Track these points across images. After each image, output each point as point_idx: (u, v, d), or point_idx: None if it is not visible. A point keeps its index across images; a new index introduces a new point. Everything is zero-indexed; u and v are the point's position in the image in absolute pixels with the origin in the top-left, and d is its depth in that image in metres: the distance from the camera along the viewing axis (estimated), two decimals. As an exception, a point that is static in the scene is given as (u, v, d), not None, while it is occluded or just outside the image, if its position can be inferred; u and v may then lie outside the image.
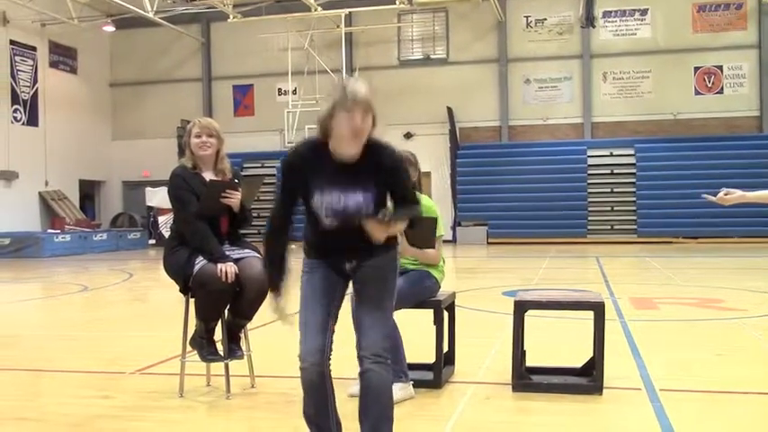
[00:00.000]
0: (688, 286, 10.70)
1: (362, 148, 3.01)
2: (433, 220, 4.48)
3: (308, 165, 3.06)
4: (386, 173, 3.07)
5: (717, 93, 23.31)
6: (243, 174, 5.08)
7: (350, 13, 23.87)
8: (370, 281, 3.17)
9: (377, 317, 3.14)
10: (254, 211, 4.73)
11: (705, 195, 3.80)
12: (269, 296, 3.29)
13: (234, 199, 4.44)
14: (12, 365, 5.75)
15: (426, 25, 25.34)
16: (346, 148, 2.97)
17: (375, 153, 3.05)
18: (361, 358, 3.12)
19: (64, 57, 25.17)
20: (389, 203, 3.14)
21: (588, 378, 4.50)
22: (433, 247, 4.55)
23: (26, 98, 23.34)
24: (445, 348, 4.74)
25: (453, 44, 25.07)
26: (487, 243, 22.83)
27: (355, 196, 3.03)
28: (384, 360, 3.10)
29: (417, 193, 4.17)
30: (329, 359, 3.15)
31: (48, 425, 4.08)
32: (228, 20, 23.72)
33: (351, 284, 3.26)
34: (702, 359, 5.52)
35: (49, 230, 22.27)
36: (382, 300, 3.17)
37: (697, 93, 23.42)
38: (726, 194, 3.61)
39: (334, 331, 3.22)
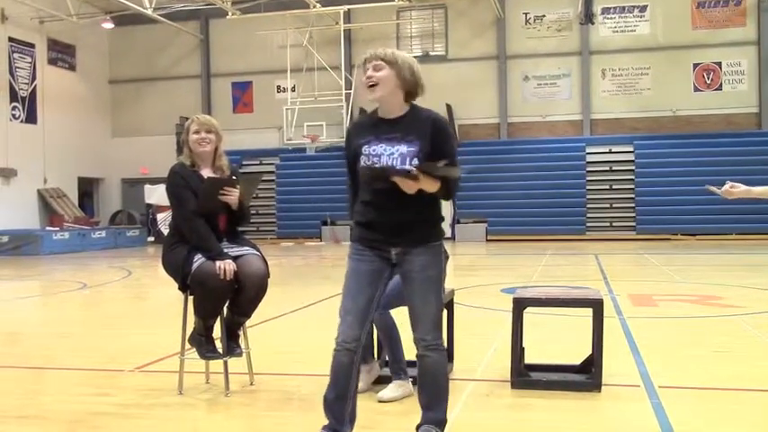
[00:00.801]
0: (687, 283, 10.71)
1: (407, 108, 3.33)
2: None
3: (358, 128, 3.42)
4: (430, 128, 3.27)
5: (716, 89, 23.31)
6: (241, 171, 5.08)
7: (349, 9, 23.85)
8: (415, 278, 3.31)
9: (427, 312, 3.31)
10: (252, 208, 4.73)
11: (708, 186, 3.80)
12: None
13: (232, 196, 4.43)
14: (11, 363, 5.75)
15: (425, 22, 25.33)
16: (368, 97, 3.30)
17: (417, 110, 3.35)
18: (417, 342, 3.34)
19: (62, 54, 25.14)
20: None
21: (587, 375, 4.51)
22: None
23: (24, 95, 23.32)
24: (444, 346, 4.74)
25: (452, 41, 25.05)
26: (486, 240, 22.84)
27: (401, 147, 3.24)
28: (439, 346, 3.33)
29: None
30: (360, 348, 3.34)
31: (48, 422, 4.08)
32: (227, 16, 23.69)
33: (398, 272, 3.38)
34: (701, 356, 5.53)
35: (48, 228, 22.25)
36: (429, 296, 3.32)
37: (696, 89, 23.42)
38: (731, 187, 3.60)
39: (372, 320, 3.45)
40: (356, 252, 3.38)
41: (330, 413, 3.34)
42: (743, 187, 3.62)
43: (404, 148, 3.23)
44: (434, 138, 3.27)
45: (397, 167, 3.18)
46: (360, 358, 3.36)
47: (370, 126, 3.34)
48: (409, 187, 3.14)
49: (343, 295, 3.36)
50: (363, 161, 3.27)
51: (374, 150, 3.25)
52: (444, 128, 3.34)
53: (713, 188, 3.79)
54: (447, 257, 3.56)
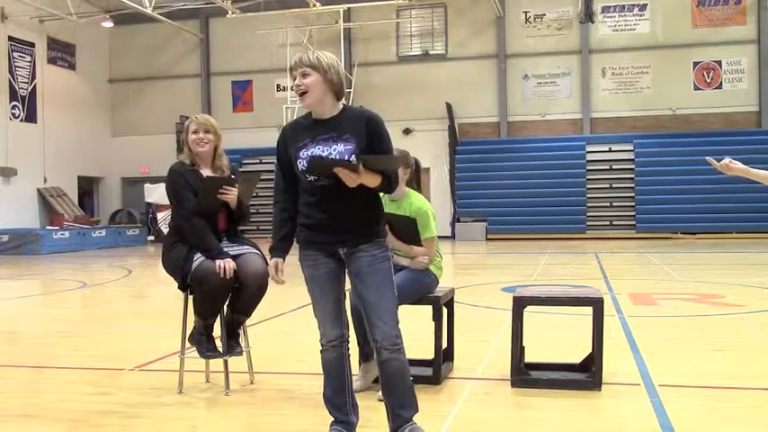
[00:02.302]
0: (687, 282, 10.71)
1: (340, 107, 3.36)
2: (411, 220, 4.50)
3: (293, 131, 3.40)
4: (365, 126, 3.31)
5: (716, 88, 23.31)
6: (241, 170, 5.08)
7: (348, 8, 23.84)
8: (366, 273, 3.34)
9: (384, 308, 3.32)
10: (252, 207, 4.73)
11: (708, 158, 3.80)
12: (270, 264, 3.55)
13: (231, 195, 4.44)
14: (12, 362, 5.75)
15: (425, 21, 25.32)
16: (302, 104, 3.33)
17: (350, 110, 3.39)
18: (378, 350, 3.34)
19: (62, 53, 25.13)
20: None
21: (587, 374, 4.51)
22: (419, 244, 4.56)
23: (24, 94, 23.31)
24: (444, 344, 4.75)
25: (452, 40, 25.04)
26: (486, 239, 22.84)
27: (338, 146, 3.26)
28: (399, 346, 3.33)
29: (413, 189, 4.33)
30: (347, 342, 3.42)
31: (49, 421, 4.08)
32: (227, 15, 23.69)
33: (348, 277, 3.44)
34: (701, 354, 5.53)
35: (48, 227, 22.25)
36: (384, 287, 3.34)
37: (696, 88, 23.42)
38: (730, 162, 3.60)
39: (347, 314, 3.49)
40: (307, 258, 3.42)
41: (333, 408, 3.43)
42: (741, 165, 3.62)
43: (341, 147, 3.27)
44: (370, 135, 3.31)
45: (339, 159, 3.22)
46: (347, 350, 3.43)
47: (306, 129, 3.37)
48: (352, 181, 3.18)
49: (312, 295, 3.46)
50: (301, 165, 3.30)
51: (311, 153, 3.28)
52: (380, 125, 3.36)
53: (712, 160, 3.79)
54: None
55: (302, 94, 3.29)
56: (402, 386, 3.38)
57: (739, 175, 3.69)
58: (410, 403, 3.40)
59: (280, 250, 3.48)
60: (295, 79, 3.30)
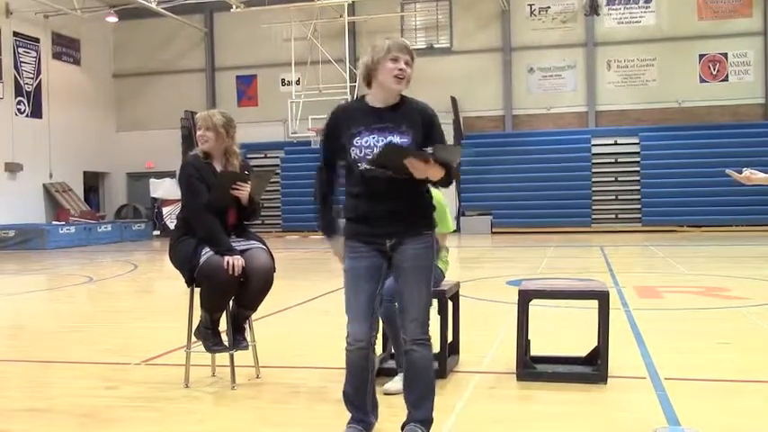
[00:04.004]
0: (693, 275, 10.69)
1: (399, 97, 3.33)
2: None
3: (347, 116, 3.32)
4: (422, 118, 3.30)
5: (722, 80, 23.20)
6: (253, 166, 5.08)
7: (353, 2, 23.79)
8: (408, 268, 3.31)
9: (417, 303, 3.31)
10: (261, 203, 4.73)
11: (729, 171, 3.80)
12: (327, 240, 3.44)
13: (244, 191, 4.44)
14: (19, 357, 5.78)
15: (429, 14, 25.26)
16: (394, 86, 3.26)
17: (409, 101, 3.36)
18: (405, 341, 3.34)
19: (67, 48, 25.14)
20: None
21: (592, 367, 4.51)
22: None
23: (30, 90, 23.34)
24: (450, 338, 4.75)
25: (457, 33, 24.98)
26: (491, 232, 22.82)
27: (393, 138, 3.22)
28: (425, 342, 3.31)
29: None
30: (374, 342, 3.36)
31: (56, 415, 4.10)
32: (231, 10, 23.68)
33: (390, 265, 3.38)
34: (707, 348, 5.52)
35: (54, 222, 22.30)
36: (423, 284, 3.33)
37: (702, 80, 23.32)
38: (751, 174, 3.61)
39: (377, 313, 3.43)
40: (351, 250, 3.36)
41: (352, 406, 3.40)
42: (761, 175, 3.63)
43: (397, 139, 3.23)
44: (427, 129, 3.29)
45: (416, 149, 3.17)
46: (374, 351, 3.38)
47: (360, 115, 3.31)
48: (421, 172, 3.14)
49: (345, 294, 3.38)
50: (354, 153, 3.25)
51: (366, 142, 3.24)
52: (437, 119, 3.37)
53: (733, 173, 3.79)
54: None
55: (401, 78, 3.26)
56: (421, 383, 3.34)
57: (761, 183, 3.68)
58: (424, 406, 3.35)
59: (336, 230, 3.41)
60: (397, 61, 3.25)
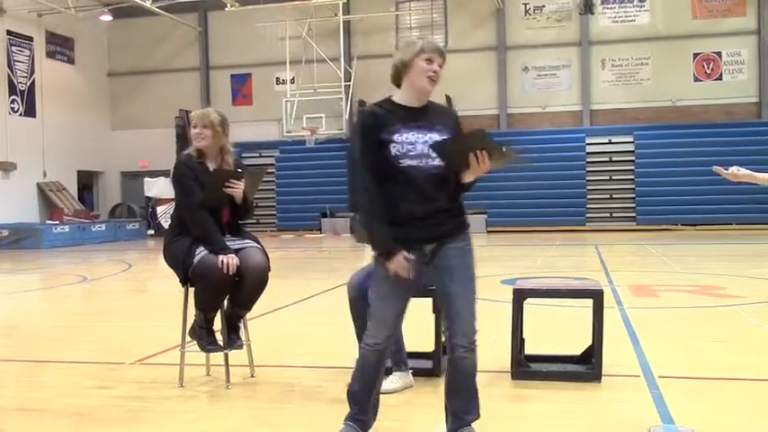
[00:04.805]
0: (687, 273, 10.71)
1: (426, 99, 3.31)
2: None
3: (380, 117, 3.25)
4: (451, 120, 3.32)
5: (716, 79, 23.25)
6: (246, 165, 5.07)
7: (348, 1, 23.78)
8: (455, 267, 3.25)
9: (467, 304, 3.25)
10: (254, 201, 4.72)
11: (715, 167, 3.81)
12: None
13: (237, 189, 4.43)
14: (13, 356, 5.76)
15: (424, 13, 25.26)
16: (426, 87, 3.25)
17: (434, 103, 3.36)
18: (454, 346, 3.24)
19: (61, 47, 25.07)
20: None
21: (587, 366, 4.52)
22: None
23: (23, 89, 23.27)
24: (444, 337, 4.75)
25: (452, 32, 24.98)
26: (487, 231, 22.84)
27: (433, 135, 3.20)
28: (475, 345, 3.25)
29: None
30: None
31: (50, 415, 4.09)
32: (226, 9, 23.64)
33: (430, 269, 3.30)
34: (701, 346, 5.54)
35: (48, 221, 22.26)
36: (469, 285, 3.28)
37: (696, 79, 23.37)
38: (737, 170, 3.62)
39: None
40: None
41: (354, 402, 3.36)
42: (747, 172, 3.64)
43: (436, 136, 3.19)
44: (456, 131, 3.29)
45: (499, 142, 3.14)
46: (387, 353, 3.36)
47: (390, 113, 3.25)
48: (481, 170, 3.12)
49: (375, 299, 3.29)
50: (396, 150, 3.17)
51: (407, 138, 3.18)
52: (457, 116, 3.40)
53: (720, 169, 3.80)
54: None
55: (434, 80, 3.25)
56: (469, 387, 3.30)
57: (746, 181, 3.70)
58: (474, 406, 3.32)
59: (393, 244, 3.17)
60: (431, 62, 3.23)
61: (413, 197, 3.19)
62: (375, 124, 3.23)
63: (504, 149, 3.14)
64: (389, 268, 3.14)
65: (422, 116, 3.25)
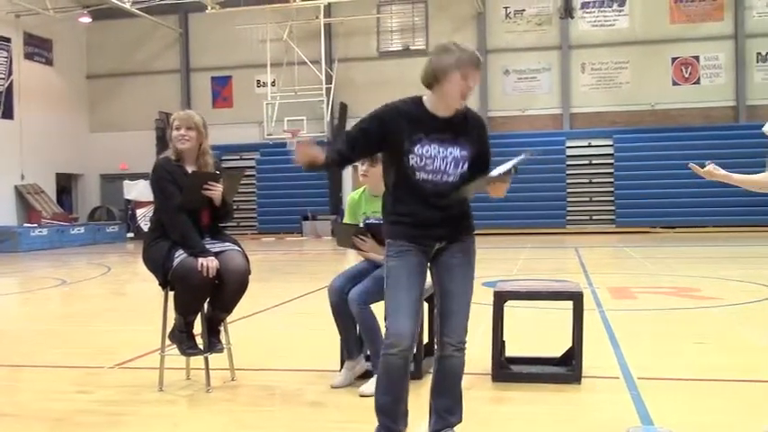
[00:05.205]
0: (665, 275, 10.81)
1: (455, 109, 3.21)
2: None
3: (407, 117, 3.15)
4: (477, 131, 3.26)
5: (694, 83, 23.49)
6: (224, 167, 5.05)
7: (329, 3, 23.77)
8: (456, 266, 3.27)
9: (463, 303, 3.27)
10: (233, 203, 4.71)
11: (691, 164, 3.84)
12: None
13: (216, 191, 4.41)
14: (-11, 361, 5.69)
15: (406, 16, 25.29)
16: (457, 102, 3.15)
17: (466, 113, 3.26)
18: (444, 344, 3.24)
19: (39, 48, 24.83)
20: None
21: (567, 367, 4.54)
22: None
23: (0, 90, 23.02)
24: (425, 339, 4.76)
25: (433, 35, 25.01)
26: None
27: (453, 150, 3.16)
28: (465, 346, 3.27)
29: None
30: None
31: (27, 420, 4.05)
32: (206, 11, 23.54)
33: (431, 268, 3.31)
34: (679, 347, 5.59)
35: (26, 224, 22.02)
36: (468, 285, 3.30)
37: (674, 83, 23.60)
38: (714, 169, 3.65)
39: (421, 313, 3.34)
40: (399, 247, 3.22)
41: (386, 417, 3.23)
42: (723, 171, 3.67)
43: (457, 152, 3.16)
44: (481, 141, 3.27)
45: (502, 172, 3.14)
46: (411, 356, 3.25)
47: (417, 119, 3.17)
48: (503, 191, 3.20)
49: (391, 291, 3.20)
50: (413, 161, 3.14)
51: (427, 152, 3.14)
52: (485, 126, 3.37)
53: (695, 166, 3.83)
54: None
55: (465, 97, 3.19)
56: (455, 388, 3.31)
57: (721, 181, 3.73)
58: (458, 409, 3.33)
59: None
60: (467, 78, 3.14)
61: (422, 205, 3.19)
62: (398, 118, 3.17)
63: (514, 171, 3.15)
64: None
65: (447, 127, 3.18)
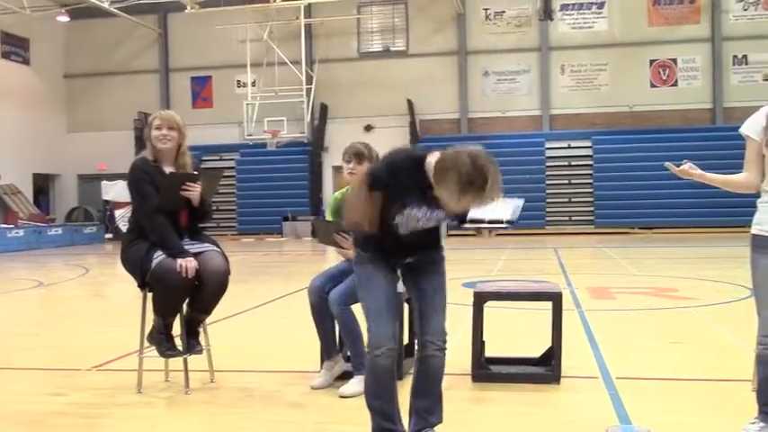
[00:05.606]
0: (643, 276, 10.90)
1: None
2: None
3: (406, 180, 3.08)
4: None
5: (671, 85, 23.72)
6: (202, 167, 5.03)
7: (309, 4, 23.74)
8: (429, 272, 3.33)
9: (441, 302, 3.32)
10: (212, 204, 4.68)
11: (667, 164, 3.87)
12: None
13: (194, 192, 4.38)
14: (-36, 363, 5.62)
15: (386, 17, 25.32)
16: (452, 208, 3.01)
17: None
18: (425, 343, 3.27)
19: (16, 47, 24.58)
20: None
21: (546, 367, 4.57)
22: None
23: (-23, 90, 22.77)
24: (405, 340, 4.76)
25: (413, 36, 25.08)
26: (447, 235, 22.93)
27: (438, 213, 3.15)
28: (446, 345, 3.31)
29: None
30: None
31: (2, 423, 4.00)
32: (186, 10, 23.42)
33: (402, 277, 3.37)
34: (657, 347, 5.63)
35: (2, 225, 21.76)
36: (443, 281, 3.36)
37: (652, 85, 23.81)
38: (689, 168, 3.69)
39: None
40: (371, 258, 3.27)
41: (384, 419, 3.23)
42: (699, 171, 3.71)
43: (440, 214, 3.17)
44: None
45: (504, 223, 3.16)
46: (396, 355, 3.28)
47: (413, 180, 3.07)
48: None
49: (370, 294, 3.23)
50: (399, 219, 3.14)
51: (415, 213, 3.15)
52: None
53: (671, 166, 3.87)
54: None
55: None
56: (436, 388, 3.33)
57: (696, 180, 3.77)
58: (439, 409, 3.34)
59: None
60: (476, 203, 2.98)
61: (395, 242, 3.22)
62: (401, 180, 3.09)
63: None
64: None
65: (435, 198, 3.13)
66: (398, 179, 3.08)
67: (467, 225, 3.19)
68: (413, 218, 3.16)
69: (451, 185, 2.85)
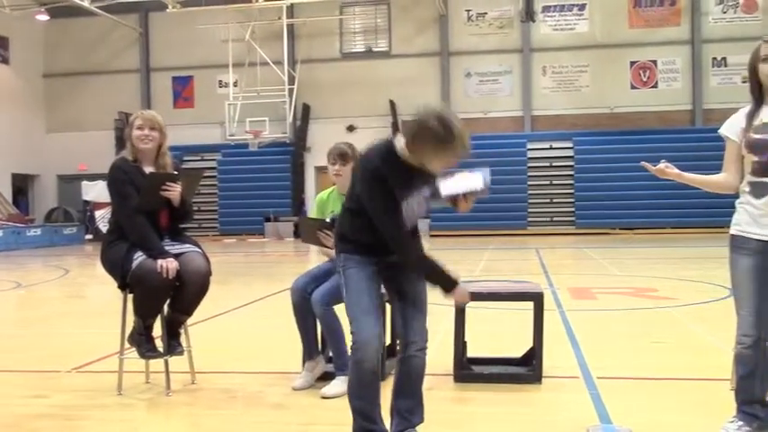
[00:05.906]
0: (624, 276, 10.97)
1: None
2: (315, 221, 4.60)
3: (392, 176, 3.11)
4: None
5: (652, 87, 23.92)
6: (183, 167, 4.99)
7: (292, 4, 23.71)
8: (412, 277, 3.33)
9: (423, 303, 3.35)
10: (193, 204, 4.66)
11: (643, 163, 3.90)
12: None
13: (174, 192, 4.36)
14: (-59, 366, 5.55)
15: (368, 18, 25.34)
16: (434, 168, 3.15)
17: None
18: (408, 344, 3.29)
19: (-6, 46, 24.35)
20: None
21: (528, 367, 4.58)
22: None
23: (-46, 89, 22.52)
24: (387, 341, 4.76)
25: (395, 37, 25.11)
26: (429, 236, 22.98)
27: (425, 193, 3.23)
28: (427, 346, 3.34)
29: None
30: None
31: (-21, 426, 3.96)
32: (167, 10, 23.29)
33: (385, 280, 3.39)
34: (637, 347, 5.67)
35: (-19, 226, 21.57)
36: (424, 289, 3.36)
37: (633, 87, 23.99)
38: (666, 167, 3.72)
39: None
40: (355, 257, 3.27)
41: (368, 421, 3.24)
42: (675, 170, 3.74)
43: (426, 192, 3.25)
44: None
45: (479, 189, 3.21)
46: (380, 356, 3.29)
47: (402, 172, 3.14)
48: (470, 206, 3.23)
49: (353, 296, 3.23)
50: (406, 210, 3.19)
51: (411, 203, 3.20)
52: None
53: (648, 165, 3.90)
54: None
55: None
56: (418, 388, 3.35)
57: (673, 179, 3.80)
58: (420, 409, 3.37)
59: None
60: (455, 159, 3.18)
61: (379, 239, 3.21)
62: (393, 180, 3.13)
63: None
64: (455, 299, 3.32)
65: (419, 176, 3.19)
66: (394, 179, 3.12)
67: (444, 195, 3.22)
68: (410, 208, 3.20)
69: (428, 149, 3.05)
